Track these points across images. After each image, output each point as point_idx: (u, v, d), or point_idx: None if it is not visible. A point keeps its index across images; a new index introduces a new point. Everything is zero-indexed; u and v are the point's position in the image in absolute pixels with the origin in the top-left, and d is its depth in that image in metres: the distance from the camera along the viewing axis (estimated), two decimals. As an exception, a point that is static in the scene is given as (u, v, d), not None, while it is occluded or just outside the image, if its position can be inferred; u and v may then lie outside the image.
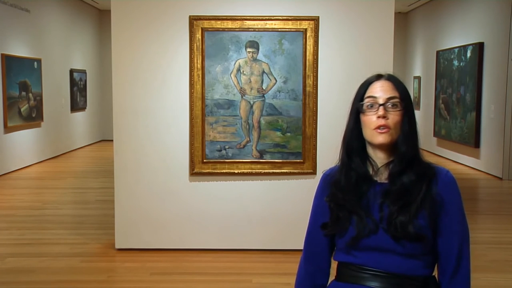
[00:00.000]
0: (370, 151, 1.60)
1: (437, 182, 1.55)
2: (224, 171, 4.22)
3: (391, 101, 1.55)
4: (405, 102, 1.56)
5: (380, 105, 1.54)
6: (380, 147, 1.57)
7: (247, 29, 4.09)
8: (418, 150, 1.59)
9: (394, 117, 1.54)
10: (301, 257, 1.76)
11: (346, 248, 1.58)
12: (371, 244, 1.53)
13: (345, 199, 1.57)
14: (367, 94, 1.59)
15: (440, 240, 1.56)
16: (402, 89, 1.58)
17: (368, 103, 1.57)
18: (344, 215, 1.57)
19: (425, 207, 1.51)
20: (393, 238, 1.51)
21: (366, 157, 1.60)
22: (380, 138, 1.53)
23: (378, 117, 1.54)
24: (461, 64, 8.84)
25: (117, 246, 4.32)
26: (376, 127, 1.54)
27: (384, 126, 1.53)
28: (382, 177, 1.58)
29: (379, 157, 1.58)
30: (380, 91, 1.57)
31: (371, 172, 1.59)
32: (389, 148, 1.56)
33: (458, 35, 9.18)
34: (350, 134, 1.62)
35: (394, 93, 1.56)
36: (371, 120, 1.55)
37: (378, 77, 1.61)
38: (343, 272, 1.61)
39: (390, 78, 1.60)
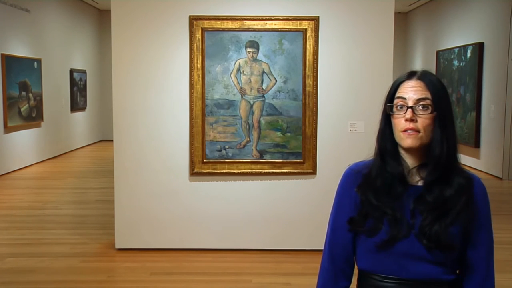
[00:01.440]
0: (402, 152, 1.54)
1: (473, 192, 1.50)
2: (224, 171, 4.22)
3: (421, 102, 1.47)
4: (437, 104, 1.47)
5: (408, 107, 1.47)
6: (409, 150, 1.51)
7: (247, 29, 4.09)
8: (456, 157, 1.51)
9: (424, 120, 1.46)
10: (322, 259, 1.67)
11: (374, 250, 1.52)
12: (401, 249, 1.49)
13: (379, 200, 1.51)
14: (397, 94, 1.52)
15: (470, 250, 1.54)
16: (434, 89, 1.49)
17: (398, 105, 1.50)
18: (377, 216, 1.50)
19: (460, 217, 1.47)
20: (424, 246, 1.47)
21: (399, 157, 1.54)
22: (409, 141, 1.47)
23: (406, 120, 1.47)
24: (461, 64, 8.84)
25: (117, 246, 4.32)
26: (403, 130, 1.47)
27: (412, 130, 1.46)
28: (414, 180, 1.53)
29: (410, 158, 1.52)
30: (410, 91, 1.49)
31: (404, 173, 1.53)
32: (420, 151, 1.50)
33: (458, 35, 9.18)
34: (382, 135, 1.56)
35: (425, 94, 1.47)
36: (399, 122, 1.48)
37: (410, 75, 1.53)
38: (365, 282, 1.57)
39: (422, 77, 1.51)
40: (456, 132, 1.52)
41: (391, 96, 1.53)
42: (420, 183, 1.52)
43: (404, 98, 1.49)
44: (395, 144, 1.54)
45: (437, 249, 1.46)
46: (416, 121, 1.46)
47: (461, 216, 1.47)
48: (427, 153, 1.50)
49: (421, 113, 1.46)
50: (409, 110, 1.46)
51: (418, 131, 1.46)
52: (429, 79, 1.51)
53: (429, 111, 1.46)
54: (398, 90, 1.52)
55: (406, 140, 1.47)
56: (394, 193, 1.51)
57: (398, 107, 1.49)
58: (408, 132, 1.47)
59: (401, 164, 1.53)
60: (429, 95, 1.47)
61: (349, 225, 1.57)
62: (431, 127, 1.47)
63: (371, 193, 1.53)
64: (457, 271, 1.58)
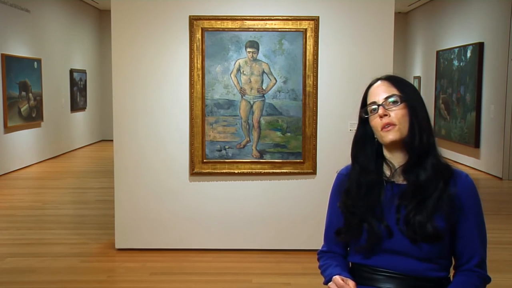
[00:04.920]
0: (387, 153, 1.61)
1: (456, 185, 1.54)
2: (224, 171, 4.22)
3: (390, 99, 1.56)
4: (405, 96, 1.56)
5: (379, 105, 1.56)
6: (393, 146, 1.57)
7: (247, 29, 4.09)
8: (434, 146, 1.58)
9: (397, 112, 1.55)
10: (320, 251, 1.77)
11: (361, 251, 1.59)
12: (386, 248, 1.54)
13: (355, 206, 1.58)
14: (368, 100, 1.61)
15: (460, 245, 1.56)
16: (401, 85, 1.59)
17: (371, 109, 1.59)
18: (355, 223, 1.57)
19: (442, 207, 1.50)
20: (410, 240, 1.51)
21: (382, 160, 1.61)
22: (389, 136, 1.54)
23: (380, 117, 1.56)
24: (461, 64, 8.84)
25: (117, 246, 4.32)
26: (382, 128, 1.55)
27: (388, 124, 1.54)
28: (400, 179, 1.58)
29: (396, 158, 1.59)
30: (377, 93, 1.59)
31: (389, 174, 1.59)
32: (402, 148, 1.57)
33: (458, 35, 9.18)
34: (356, 141, 1.66)
35: (392, 91, 1.57)
36: (376, 122, 1.57)
37: (377, 80, 1.64)
38: (357, 274, 1.61)
39: (388, 78, 1.62)
40: (430, 122, 1.60)
41: (364, 101, 1.64)
42: (405, 182, 1.57)
43: (374, 101, 1.59)
44: (376, 148, 1.62)
45: (423, 241, 1.50)
46: (390, 116, 1.55)
47: (443, 206, 1.50)
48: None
49: (393, 107, 1.56)
50: (380, 107, 1.56)
51: (394, 124, 1.54)
52: (395, 79, 1.62)
53: (399, 103, 1.56)
54: (368, 96, 1.62)
55: (387, 136, 1.55)
56: (370, 197, 1.57)
57: (372, 110, 1.59)
58: (386, 128, 1.55)
59: (383, 166, 1.61)
60: (395, 91, 1.57)
61: (336, 236, 1.66)
62: (406, 117, 1.55)
63: (349, 200, 1.61)
64: (450, 269, 1.60)
